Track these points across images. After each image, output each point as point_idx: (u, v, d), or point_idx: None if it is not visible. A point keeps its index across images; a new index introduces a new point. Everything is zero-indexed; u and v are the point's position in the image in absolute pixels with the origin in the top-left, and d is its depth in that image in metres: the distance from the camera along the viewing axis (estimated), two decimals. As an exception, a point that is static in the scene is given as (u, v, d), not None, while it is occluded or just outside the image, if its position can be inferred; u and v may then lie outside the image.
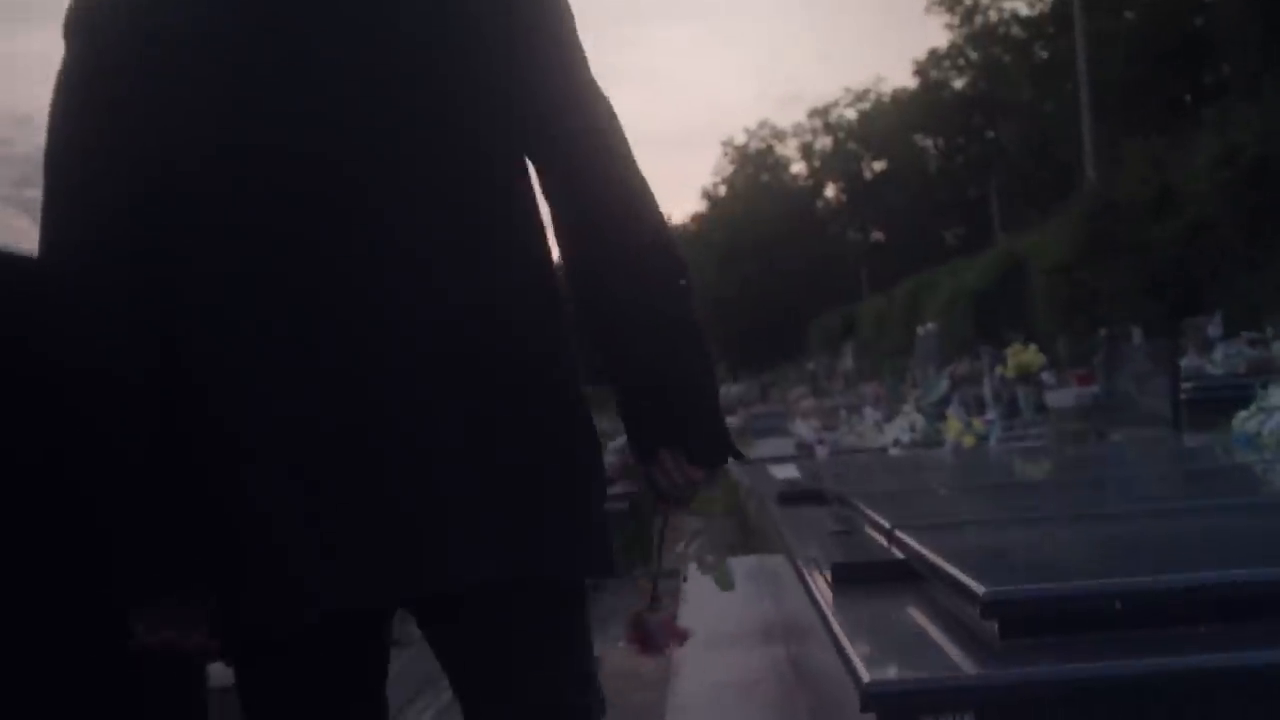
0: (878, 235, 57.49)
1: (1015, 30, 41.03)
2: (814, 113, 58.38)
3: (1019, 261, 22.85)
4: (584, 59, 1.35)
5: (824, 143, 58.52)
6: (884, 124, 54.05)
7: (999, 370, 12.01)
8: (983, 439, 8.78)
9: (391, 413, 1.26)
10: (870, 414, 13.00)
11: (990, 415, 8.85)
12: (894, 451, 9.00)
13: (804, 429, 12.97)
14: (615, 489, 1.69)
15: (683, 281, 1.36)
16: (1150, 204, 17.21)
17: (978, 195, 47.64)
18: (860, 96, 56.63)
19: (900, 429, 10.83)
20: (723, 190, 59.88)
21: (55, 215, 1.27)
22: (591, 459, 1.39)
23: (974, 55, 49.70)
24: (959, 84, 51.93)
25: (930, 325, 16.72)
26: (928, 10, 43.10)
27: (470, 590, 1.29)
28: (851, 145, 56.90)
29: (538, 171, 1.36)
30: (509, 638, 1.34)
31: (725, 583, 1.67)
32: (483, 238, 1.30)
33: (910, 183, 53.24)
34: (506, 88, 1.31)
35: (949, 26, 44.17)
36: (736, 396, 28.94)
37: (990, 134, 49.80)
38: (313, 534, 1.24)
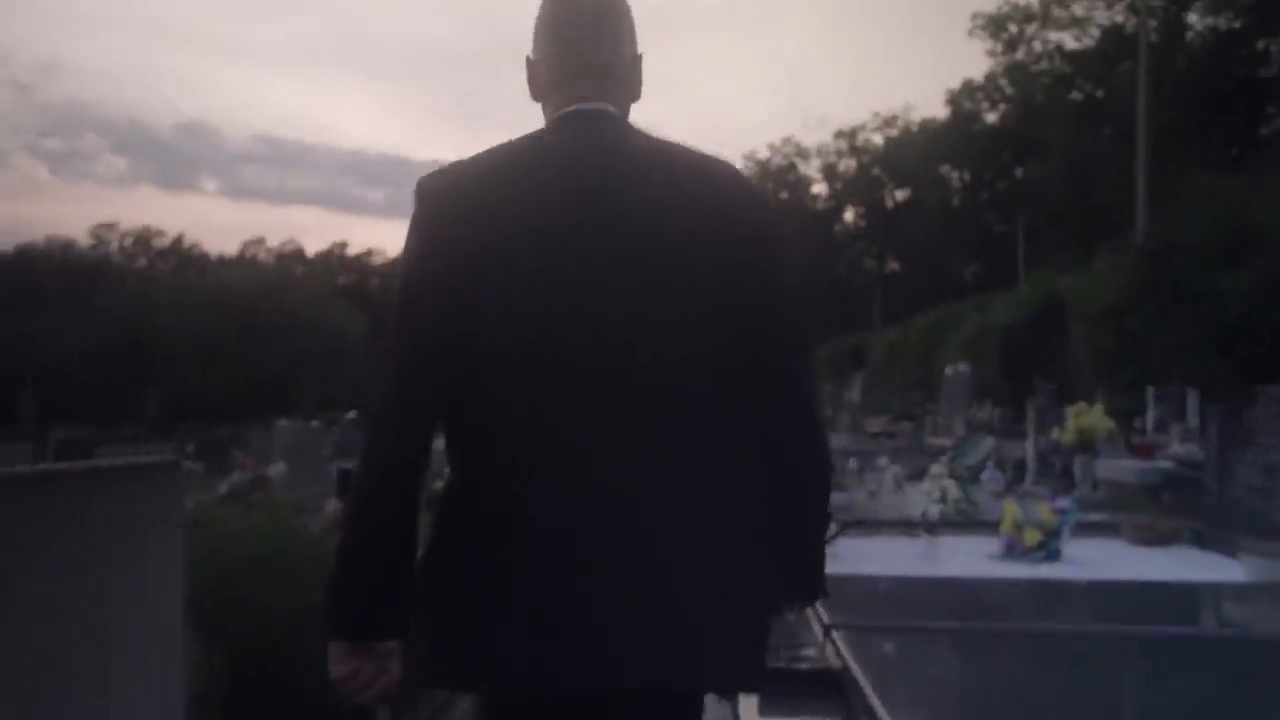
0: (894, 265, 55.13)
1: (1059, 64, 38.56)
2: (840, 134, 56.16)
3: (1056, 302, 20.39)
4: (797, 318, 1.77)
5: (848, 165, 56.25)
6: (910, 152, 51.74)
7: (1055, 435, 9.70)
8: (1052, 536, 6.35)
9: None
10: (890, 470, 10.66)
11: (1064, 502, 6.33)
12: (924, 538, 6.55)
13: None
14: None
15: (828, 488, 1.83)
16: (1223, 249, 14.66)
17: (1002, 232, 45.21)
18: (889, 122, 54.41)
19: (928, 497, 8.52)
20: (741, 205, 57.30)
21: (400, 343, 1.65)
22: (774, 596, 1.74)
23: (1009, 90, 47.38)
24: (991, 117, 49.58)
25: (962, 366, 14.37)
26: (970, 34, 40.68)
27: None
28: (876, 171, 54.55)
29: (758, 411, 1.70)
30: None
31: None
32: (711, 422, 1.65)
33: (932, 214, 50.91)
34: (747, 335, 1.67)
35: (990, 54, 41.71)
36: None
37: (1019, 171, 47.68)
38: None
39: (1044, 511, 6.03)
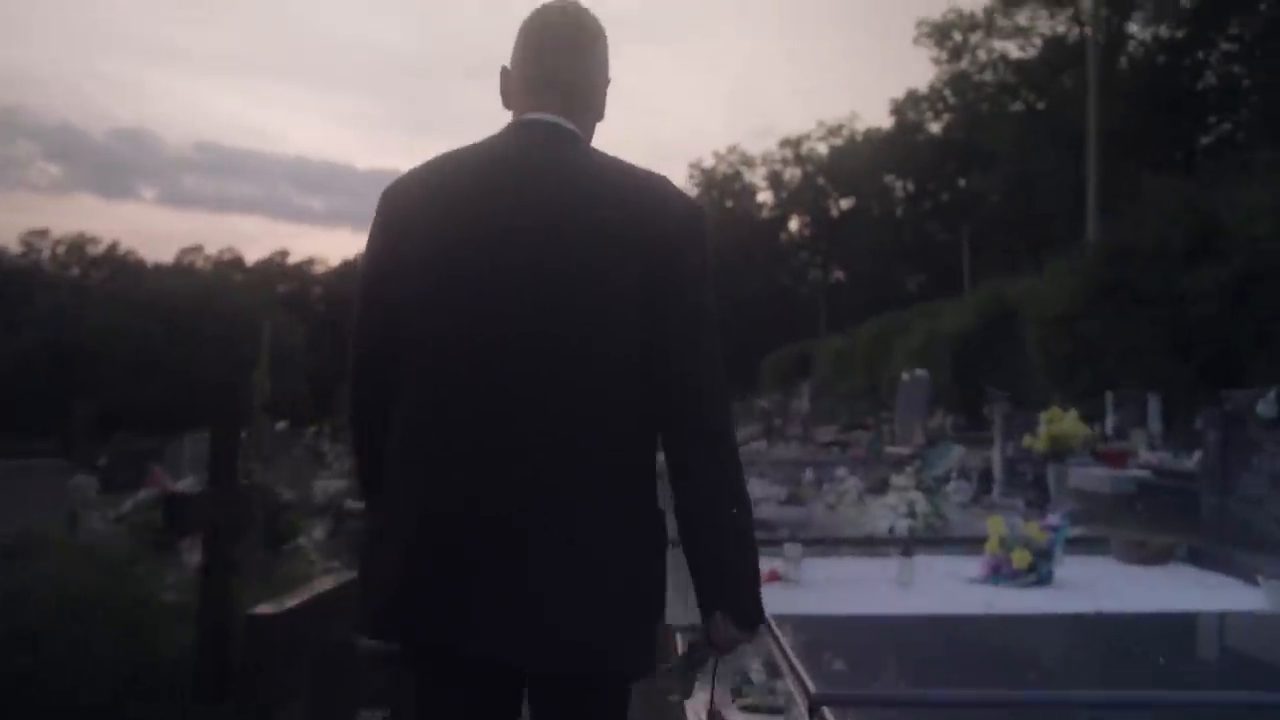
0: (838, 274, 54.88)
1: (1003, 73, 38.44)
2: (785, 142, 55.84)
3: (1008, 308, 19.94)
4: (715, 333, 1.80)
5: (793, 174, 55.93)
6: (855, 161, 51.54)
7: (1026, 442, 9.10)
8: (1042, 557, 5.67)
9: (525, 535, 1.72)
10: (850, 482, 10.01)
11: (1054, 518, 5.65)
12: (897, 560, 5.89)
13: (755, 491, 9.90)
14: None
15: (744, 503, 1.81)
16: (1182, 250, 14.20)
17: (946, 241, 45.06)
18: (833, 131, 54.17)
19: (894, 511, 7.88)
20: (686, 214, 56.59)
21: (358, 334, 1.87)
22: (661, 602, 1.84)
23: (953, 100, 47.32)
24: (935, 127, 49.48)
25: (920, 371, 13.73)
26: (915, 41, 40.46)
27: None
28: (820, 180, 54.28)
29: (664, 405, 1.78)
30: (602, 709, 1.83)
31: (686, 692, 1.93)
32: (608, 423, 1.75)
33: (876, 223, 50.71)
34: (651, 332, 1.74)
35: (935, 62, 41.53)
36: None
37: (962, 181, 47.60)
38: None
39: (1032, 529, 5.32)
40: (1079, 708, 2.35)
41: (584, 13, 1.89)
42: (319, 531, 6.58)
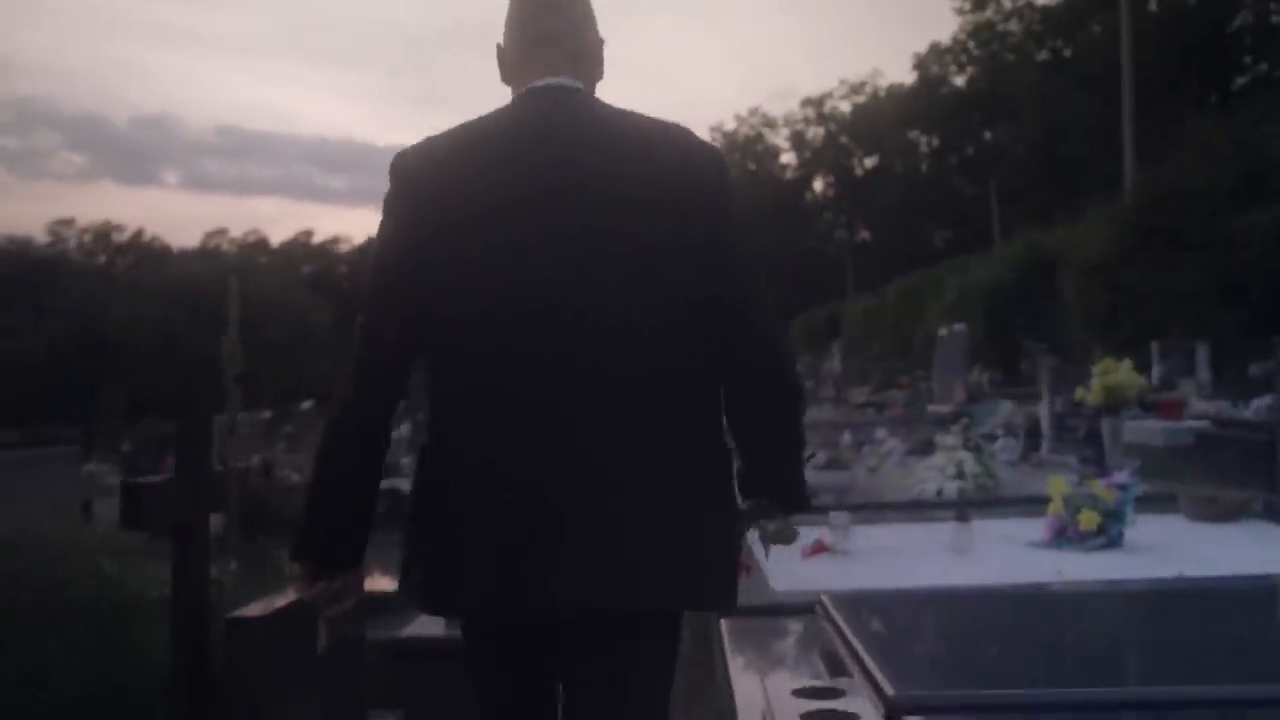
0: (864, 234, 54.10)
1: (1030, 20, 37.51)
2: (807, 102, 54.89)
3: (1044, 259, 19.31)
4: (757, 270, 1.84)
5: (816, 133, 55.05)
6: (878, 119, 50.60)
7: (1079, 395, 8.60)
8: (1113, 518, 5.21)
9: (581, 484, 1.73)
10: (890, 443, 9.53)
11: (1123, 475, 5.17)
12: (952, 525, 5.44)
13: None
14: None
15: (801, 409, 1.92)
16: (1229, 191, 13.55)
17: (974, 195, 44.21)
18: (856, 89, 53.22)
19: (941, 473, 7.41)
20: (709, 178, 55.63)
21: (370, 312, 1.81)
22: (732, 527, 1.84)
23: (976, 51, 46.35)
24: (959, 80, 48.51)
25: (958, 325, 13.20)
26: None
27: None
28: (844, 139, 53.43)
29: (718, 339, 1.79)
30: (649, 653, 1.82)
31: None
32: (663, 376, 1.75)
33: (901, 181, 49.87)
34: (697, 284, 1.75)
35: (959, 12, 40.59)
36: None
37: (988, 135, 46.66)
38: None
39: (1098, 487, 4.83)
40: (1225, 706, 1.89)
41: None
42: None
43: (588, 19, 1.91)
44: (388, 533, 2.06)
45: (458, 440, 1.77)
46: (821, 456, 8.76)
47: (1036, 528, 5.02)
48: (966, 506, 7.61)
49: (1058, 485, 5.43)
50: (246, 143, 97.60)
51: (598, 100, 1.87)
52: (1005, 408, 8.73)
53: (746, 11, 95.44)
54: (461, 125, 1.84)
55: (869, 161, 53.16)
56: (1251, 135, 13.71)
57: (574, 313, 1.71)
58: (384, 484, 1.89)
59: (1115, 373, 8.49)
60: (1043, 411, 9.49)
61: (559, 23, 1.87)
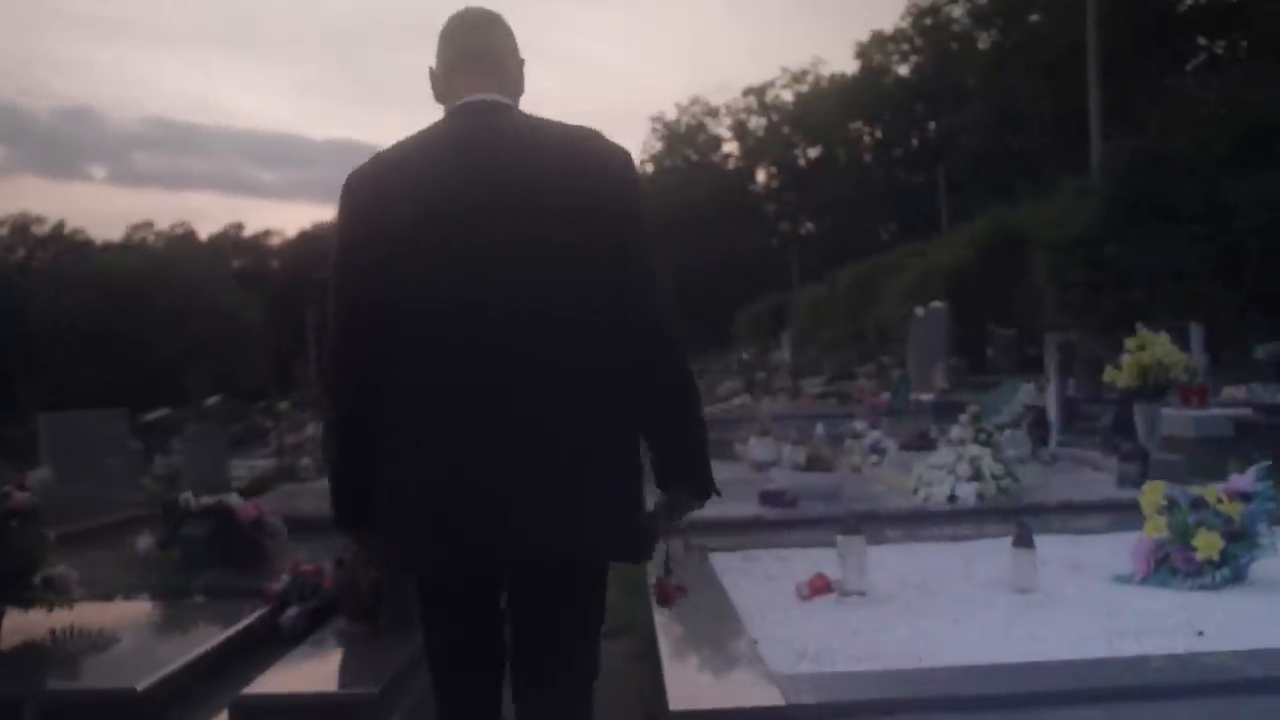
0: (809, 225, 52.91)
1: (977, 4, 36.48)
2: (749, 91, 53.52)
3: (1010, 238, 17.96)
4: (653, 256, 2.03)
5: (758, 123, 53.67)
6: (822, 108, 49.43)
7: (1109, 376, 7.09)
8: (1238, 542, 3.69)
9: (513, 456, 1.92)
10: (873, 436, 8.05)
11: (1245, 479, 3.64)
12: (1016, 554, 3.94)
13: (759, 453, 7.87)
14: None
15: (697, 399, 2.09)
16: (1226, 158, 12.19)
17: (920, 184, 43.12)
18: (798, 78, 51.96)
19: (952, 475, 5.86)
20: (650, 169, 54.22)
21: (336, 314, 2.00)
22: (639, 487, 2.04)
23: (919, 41, 45.39)
24: (903, 70, 47.49)
25: (936, 304, 11.71)
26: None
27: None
28: (786, 129, 52.13)
29: (622, 325, 1.98)
30: (587, 598, 2.06)
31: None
32: (586, 364, 1.95)
33: (846, 172, 48.74)
34: (601, 274, 1.96)
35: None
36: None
37: (933, 125, 45.65)
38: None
39: (1212, 495, 3.32)
40: None
41: (494, 11, 2.15)
42: (144, 540, 4.50)
43: (509, 43, 2.13)
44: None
45: (404, 420, 1.95)
46: (798, 454, 7.27)
47: (1102, 550, 4.12)
48: (989, 516, 5.98)
49: (1153, 493, 3.90)
50: (176, 135, 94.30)
51: (519, 112, 2.09)
52: (1025, 391, 7.24)
53: (690, 3, 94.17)
54: (401, 141, 2.05)
55: (812, 152, 51.95)
56: (1249, 96, 12.36)
57: (498, 305, 1.92)
58: None
59: (1153, 347, 7.07)
60: (1050, 398, 8.06)
61: (488, 44, 2.10)
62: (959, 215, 31.89)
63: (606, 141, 2.03)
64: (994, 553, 4.63)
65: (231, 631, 3.22)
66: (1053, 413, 7.95)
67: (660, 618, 3.61)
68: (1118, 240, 13.72)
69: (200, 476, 9.23)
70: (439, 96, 2.10)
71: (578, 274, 1.93)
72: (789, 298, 37.59)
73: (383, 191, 1.97)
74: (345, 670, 2.76)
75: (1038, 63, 31.16)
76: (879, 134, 50.19)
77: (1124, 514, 5.11)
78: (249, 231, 65.03)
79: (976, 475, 5.94)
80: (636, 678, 3.98)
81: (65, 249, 55.64)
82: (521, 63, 2.13)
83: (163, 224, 62.89)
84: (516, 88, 2.11)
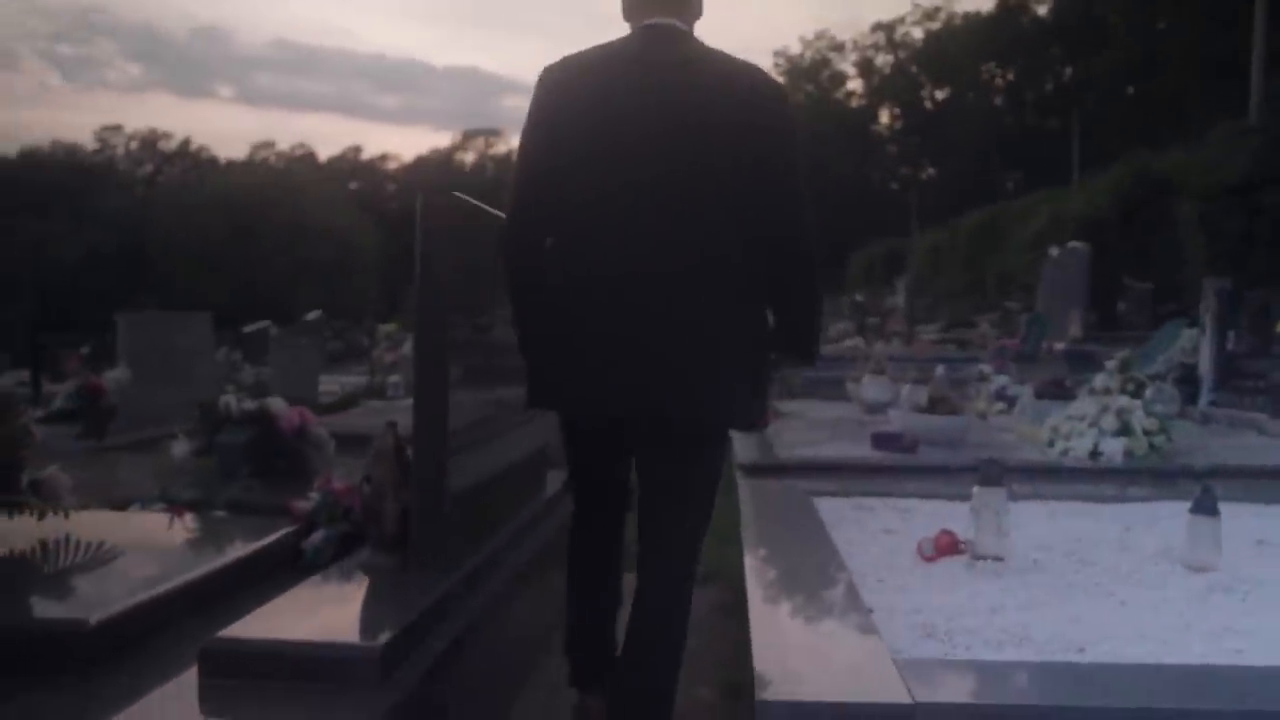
0: (930, 171, 50.99)
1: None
2: (878, 26, 51.55)
3: (1155, 185, 16.65)
4: (797, 177, 2.30)
5: (885, 61, 51.74)
6: (953, 48, 47.24)
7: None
8: None
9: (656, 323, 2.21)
10: (1000, 380, 7.28)
11: None
12: (1195, 521, 3.19)
13: (873, 392, 7.15)
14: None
15: (814, 284, 2.34)
16: None
17: (1051, 131, 41.01)
18: (930, 15, 49.73)
19: (1095, 428, 5.10)
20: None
21: (517, 184, 2.33)
22: (752, 372, 2.30)
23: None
24: (1042, 10, 45.05)
25: (1075, 244, 10.73)
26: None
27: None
28: (914, 69, 50.12)
29: (758, 230, 2.25)
30: (702, 454, 2.32)
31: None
32: (718, 252, 2.22)
33: (974, 115, 46.65)
34: (745, 189, 2.23)
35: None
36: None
37: (1069, 70, 43.34)
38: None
39: None
40: None
41: None
42: (180, 446, 4.03)
43: None
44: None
45: (564, 292, 2.25)
46: (919, 395, 6.51)
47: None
48: (1141, 477, 5.22)
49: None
50: (302, 58, 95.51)
51: (694, 38, 2.36)
52: (1187, 337, 6.38)
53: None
54: (591, 48, 2.36)
55: (939, 94, 49.90)
56: None
57: (648, 204, 2.22)
58: None
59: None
60: (1204, 352, 7.16)
61: None
62: (1092, 164, 30.15)
63: (764, 74, 2.34)
64: (1154, 519, 3.91)
65: (237, 555, 2.70)
66: (1204, 368, 7.05)
67: (752, 560, 3.01)
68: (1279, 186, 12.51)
69: (288, 388, 8.87)
70: (626, 16, 2.39)
71: (725, 187, 2.22)
72: (906, 243, 36.22)
73: (564, 91, 2.29)
74: (349, 615, 2.21)
75: (1195, 3, 29.07)
76: (1011, 77, 47.88)
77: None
78: (367, 155, 65.46)
79: (1125, 429, 5.18)
80: (719, 638, 3.39)
81: (191, 166, 56.69)
82: None
83: (284, 144, 63.61)
84: (695, 13, 2.38)
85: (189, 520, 3.09)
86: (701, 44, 2.34)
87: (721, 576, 4.02)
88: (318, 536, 2.96)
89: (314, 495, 3.10)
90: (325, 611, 2.23)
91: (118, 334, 8.04)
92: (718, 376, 2.19)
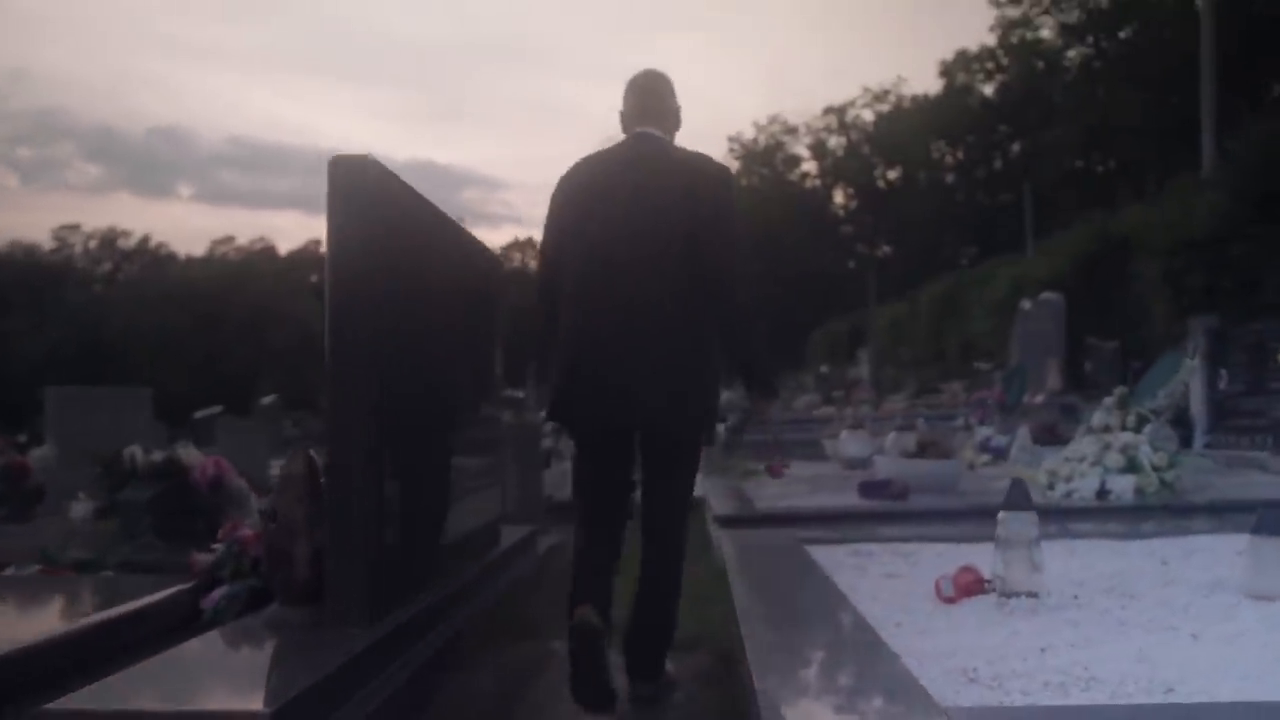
0: (886, 248, 51.26)
1: (1070, 15, 34.86)
2: (829, 110, 52.10)
3: (1115, 245, 16.50)
4: (736, 235, 3.15)
5: (838, 143, 52.25)
6: (902, 128, 47.84)
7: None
8: None
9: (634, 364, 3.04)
10: (984, 432, 6.87)
11: None
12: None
13: (853, 447, 6.67)
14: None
15: (759, 326, 3.22)
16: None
17: (1003, 203, 41.37)
18: (879, 97, 50.39)
19: (1095, 466, 4.68)
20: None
21: (542, 260, 3.33)
22: (715, 397, 3.20)
23: (1005, 59, 43.71)
24: (987, 90, 45.77)
25: (1048, 294, 10.42)
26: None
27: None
28: (866, 149, 50.66)
29: (705, 280, 3.07)
30: (676, 455, 3.17)
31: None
32: (677, 303, 3.03)
33: (925, 194, 47.05)
34: (697, 251, 3.03)
35: (994, 2, 37.98)
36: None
37: (1015, 146, 43.88)
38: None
39: None
40: None
41: (661, 73, 3.36)
42: (80, 507, 3.49)
43: (671, 95, 3.33)
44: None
45: (564, 323, 3.09)
46: (906, 440, 6.04)
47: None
48: (1152, 515, 4.64)
49: None
50: (262, 155, 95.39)
51: (667, 143, 3.25)
52: (1187, 369, 5.99)
53: (769, 21, 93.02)
54: (597, 152, 3.31)
55: (892, 173, 50.37)
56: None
57: (629, 261, 3.02)
58: None
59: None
60: (1195, 390, 6.77)
61: (655, 99, 3.29)
62: (1045, 235, 30.27)
63: (712, 161, 3.23)
64: (1189, 551, 3.45)
65: (104, 617, 2.17)
66: (1196, 408, 6.66)
67: (746, 628, 2.50)
68: (1246, 239, 12.32)
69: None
70: (624, 129, 3.28)
71: (681, 248, 3.00)
72: (865, 317, 36.18)
73: (574, 185, 3.18)
74: (233, 679, 1.69)
75: (1138, 75, 29.53)
76: (961, 155, 48.46)
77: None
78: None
79: (1132, 465, 4.75)
80: (701, 714, 2.86)
81: (150, 261, 56.02)
82: (679, 108, 3.34)
83: (243, 239, 63.02)
84: (674, 125, 3.31)
85: (65, 582, 2.55)
86: (670, 145, 3.24)
87: (703, 643, 3.50)
88: (220, 593, 2.43)
89: (218, 547, 2.58)
90: (203, 676, 1.70)
91: (44, 411, 7.45)
92: (686, 398, 3.01)
